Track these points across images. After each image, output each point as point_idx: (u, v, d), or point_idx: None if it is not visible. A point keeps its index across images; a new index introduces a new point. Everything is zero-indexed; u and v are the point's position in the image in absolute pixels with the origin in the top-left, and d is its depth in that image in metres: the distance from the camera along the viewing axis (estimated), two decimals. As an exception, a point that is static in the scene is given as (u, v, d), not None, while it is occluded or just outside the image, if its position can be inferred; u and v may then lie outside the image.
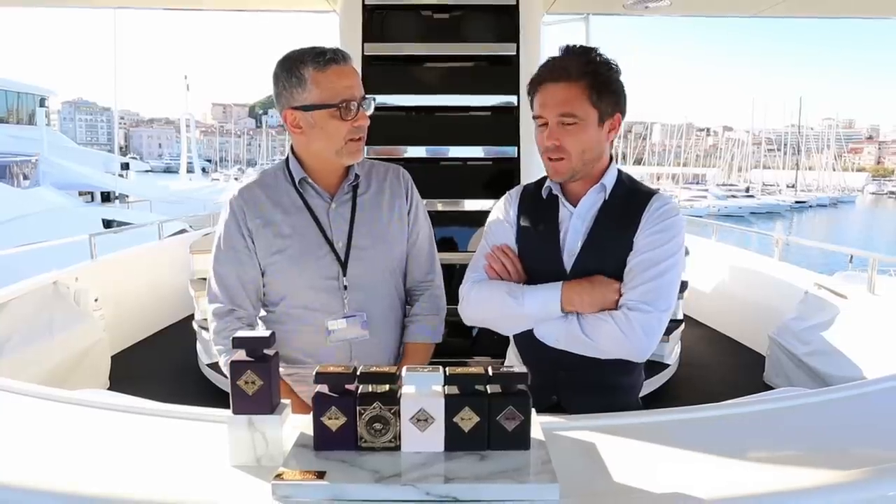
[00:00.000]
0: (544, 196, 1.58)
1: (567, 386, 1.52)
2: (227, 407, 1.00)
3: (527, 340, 1.60)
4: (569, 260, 1.50)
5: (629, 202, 1.52)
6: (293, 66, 1.48)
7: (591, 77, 1.43)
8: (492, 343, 2.89)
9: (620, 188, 1.53)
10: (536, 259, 1.56)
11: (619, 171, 1.56)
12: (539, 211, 1.59)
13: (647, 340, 1.40)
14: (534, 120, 1.51)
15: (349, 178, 1.60)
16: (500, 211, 1.66)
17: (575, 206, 1.54)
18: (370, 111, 1.54)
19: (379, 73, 3.04)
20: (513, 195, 1.67)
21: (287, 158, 1.61)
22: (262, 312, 1.66)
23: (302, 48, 1.50)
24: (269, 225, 1.56)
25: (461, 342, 2.96)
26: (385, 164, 1.73)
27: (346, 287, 1.58)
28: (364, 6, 3.04)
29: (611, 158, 1.55)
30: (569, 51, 1.48)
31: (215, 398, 3.24)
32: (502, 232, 1.62)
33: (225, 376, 1.46)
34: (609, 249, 1.48)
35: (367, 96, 1.53)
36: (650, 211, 1.49)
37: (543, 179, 1.60)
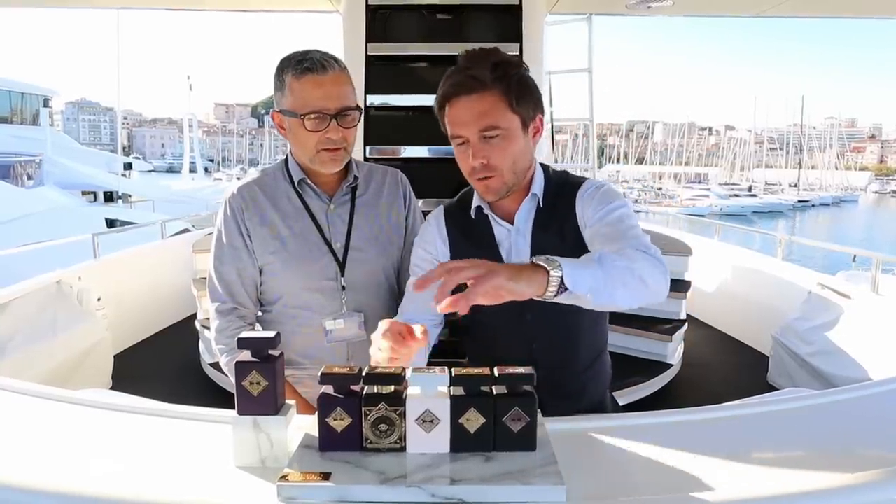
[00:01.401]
0: (473, 216, 1.45)
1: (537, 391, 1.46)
2: (230, 406, 1.00)
3: (484, 353, 1.53)
4: None
5: (559, 198, 1.41)
6: (280, 69, 1.49)
7: (505, 82, 1.30)
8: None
9: (550, 188, 1.42)
10: None
11: (546, 171, 1.45)
12: (470, 234, 1.45)
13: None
14: (451, 140, 1.37)
15: (348, 180, 1.61)
16: (426, 244, 1.48)
17: (511, 222, 1.42)
18: (356, 122, 1.51)
19: (382, 73, 3.04)
20: (433, 222, 1.50)
21: (286, 159, 1.62)
22: (259, 313, 1.67)
23: (296, 51, 1.50)
24: (267, 224, 1.57)
25: (460, 343, 2.96)
26: (383, 167, 1.74)
27: (343, 287, 1.58)
28: (367, 6, 3.04)
29: (532, 161, 1.43)
30: (471, 57, 1.33)
31: (217, 398, 3.24)
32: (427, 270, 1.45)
33: (226, 375, 1.46)
34: (558, 256, 1.40)
35: (353, 107, 1.49)
36: (582, 193, 1.39)
37: (465, 196, 1.48)
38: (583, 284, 1.07)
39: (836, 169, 69.36)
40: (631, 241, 1.24)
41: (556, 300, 1.07)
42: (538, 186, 1.42)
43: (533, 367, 1.19)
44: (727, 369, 4.05)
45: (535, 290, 1.04)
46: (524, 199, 1.41)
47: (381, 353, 1.14)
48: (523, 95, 1.32)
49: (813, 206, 53.24)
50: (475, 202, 1.44)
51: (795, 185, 61.13)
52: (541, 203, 1.41)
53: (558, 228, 1.39)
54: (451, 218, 1.49)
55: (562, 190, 1.42)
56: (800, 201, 52.52)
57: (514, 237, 1.42)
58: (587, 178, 1.44)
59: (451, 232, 1.47)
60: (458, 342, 2.93)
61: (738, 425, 1.19)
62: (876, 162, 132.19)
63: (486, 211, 1.43)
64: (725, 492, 0.90)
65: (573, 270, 1.06)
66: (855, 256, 4.36)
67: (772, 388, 3.52)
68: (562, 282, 1.04)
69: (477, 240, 1.44)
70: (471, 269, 0.98)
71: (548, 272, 1.03)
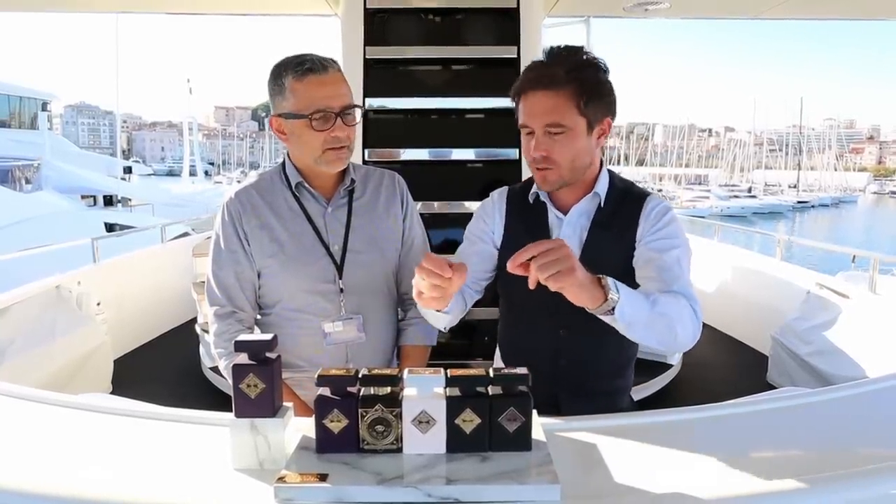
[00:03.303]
0: (531, 201, 1.52)
1: (562, 395, 1.49)
2: (230, 410, 1.00)
3: (514, 351, 1.58)
4: None
5: (623, 204, 1.47)
6: (277, 74, 1.49)
7: (577, 84, 1.34)
8: (484, 344, 2.90)
9: (614, 192, 1.48)
10: None
11: (611, 175, 1.51)
12: (526, 217, 1.53)
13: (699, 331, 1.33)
14: (520, 129, 1.44)
15: (345, 183, 1.61)
16: (485, 215, 1.58)
17: (564, 213, 1.49)
18: (357, 120, 1.53)
19: (380, 76, 3.05)
20: (496, 198, 1.59)
21: (283, 162, 1.63)
22: (257, 316, 1.67)
23: (290, 55, 1.50)
24: (265, 228, 1.57)
25: (458, 344, 2.97)
26: (381, 169, 1.74)
27: (342, 290, 1.59)
28: (366, 10, 3.05)
29: (601, 163, 1.50)
30: (553, 54, 1.38)
31: (217, 401, 3.24)
32: (482, 237, 1.55)
33: (226, 379, 1.46)
34: (608, 258, 1.43)
35: (354, 105, 1.51)
36: (649, 210, 1.45)
37: (529, 182, 1.54)
38: (627, 316, 1.18)
39: (835, 170, 69.51)
40: (683, 290, 1.33)
41: (592, 312, 1.19)
42: (601, 187, 1.47)
43: (559, 361, 1.35)
44: (727, 369, 4.05)
45: (587, 304, 1.16)
46: (584, 195, 1.47)
47: (424, 281, 1.21)
48: (594, 99, 1.37)
49: (812, 207, 53.32)
50: (534, 188, 1.50)
51: (795, 187, 61.28)
52: (602, 203, 1.46)
53: (618, 233, 1.45)
54: (512, 198, 1.57)
55: (627, 197, 1.49)
56: (799, 202, 52.64)
57: (564, 227, 1.48)
58: (652, 193, 1.52)
59: (510, 210, 1.56)
60: (457, 343, 2.95)
61: (736, 424, 1.20)
62: (874, 163, 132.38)
63: (543, 198, 1.50)
64: (723, 490, 0.91)
65: (629, 301, 1.17)
66: (854, 257, 4.37)
67: (771, 388, 3.51)
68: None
69: (530, 223, 1.52)
70: (561, 261, 1.08)
71: (606, 296, 1.15)
